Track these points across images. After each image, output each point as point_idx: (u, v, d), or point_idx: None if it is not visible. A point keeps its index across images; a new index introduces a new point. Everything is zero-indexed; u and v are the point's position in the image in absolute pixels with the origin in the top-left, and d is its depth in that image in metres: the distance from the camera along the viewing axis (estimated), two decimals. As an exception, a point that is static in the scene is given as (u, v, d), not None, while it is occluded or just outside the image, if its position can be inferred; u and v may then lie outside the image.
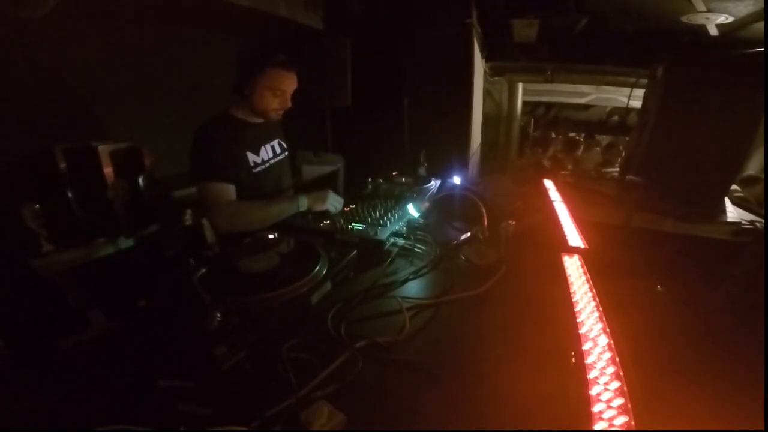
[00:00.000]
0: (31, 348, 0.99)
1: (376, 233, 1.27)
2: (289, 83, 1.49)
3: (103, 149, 1.44)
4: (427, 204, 1.63)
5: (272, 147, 1.65)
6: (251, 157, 1.52)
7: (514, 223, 1.40)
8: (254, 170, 1.52)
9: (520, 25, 2.73)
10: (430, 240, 1.42)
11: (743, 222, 1.70)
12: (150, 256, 1.69)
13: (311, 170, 2.47)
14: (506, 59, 3.25)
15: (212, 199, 1.39)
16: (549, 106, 5.18)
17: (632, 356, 0.66)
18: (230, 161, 1.43)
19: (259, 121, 1.55)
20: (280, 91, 1.47)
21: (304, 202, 1.44)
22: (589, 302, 0.85)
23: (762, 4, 1.92)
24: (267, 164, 1.59)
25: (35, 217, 1.29)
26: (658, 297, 1.35)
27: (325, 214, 1.44)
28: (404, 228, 1.42)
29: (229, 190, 1.41)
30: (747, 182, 2.31)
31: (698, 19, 2.26)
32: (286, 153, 1.74)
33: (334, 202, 1.47)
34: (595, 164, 4.44)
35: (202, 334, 0.75)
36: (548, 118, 5.41)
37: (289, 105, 1.52)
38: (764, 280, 1.17)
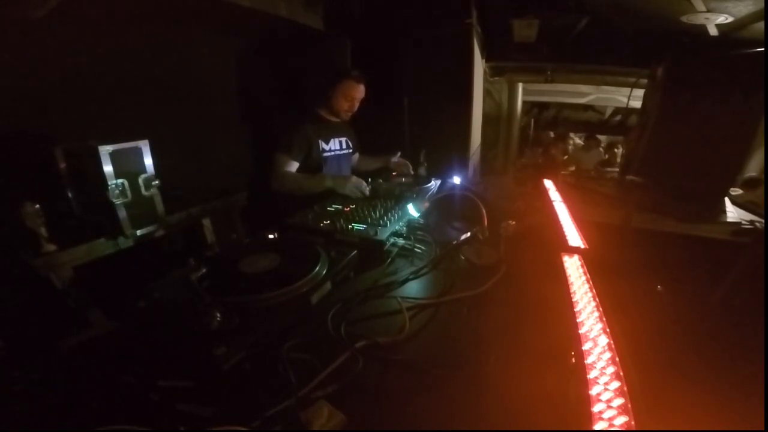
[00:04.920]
0: (31, 348, 0.99)
1: (376, 233, 1.27)
2: (358, 92, 1.96)
3: (103, 149, 1.44)
4: (427, 204, 1.63)
5: (340, 141, 2.11)
6: (321, 144, 1.99)
7: (514, 223, 1.40)
8: (322, 154, 1.99)
9: (520, 25, 2.73)
10: (430, 240, 1.42)
11: (743, 222, 1.70)
12: (150, 256, 1.69)
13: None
14: (506, 59, 3.24)
15: (275, 164, 1.84)
16: (546, 105, 5.18)
17: (632, 356, 0.66)
18: (303, 144, 1.89)
19: (335, 120, 2.06)
20: (351, 97, 1.95)
21: (329, 183, 1.80)
22: (589, 302, 0.85)
23: (762, 4, 1.92)
24: (332, 153, 2.05)
25: (35, 217, 1.29)
26: (658, 297, 1.35)
27: (348, 198, 1.71)
28: (404, 228, 1.42)
29: (290, 164, 1.86)
30: (750, 184, 2.29)
31: (698, 19, 2.25)
32: (351, 150, 2.20)
33: (353, 188, 1.75)
34: (595, 164, 4.44)
35: (202, 334, 0.75)
36: (548, 118, 5.41)
37: (355, 109, 2.02)
38: (764, 280, 1.17)
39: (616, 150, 4.64)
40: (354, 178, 1.79)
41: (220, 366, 0.71)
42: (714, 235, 1.62)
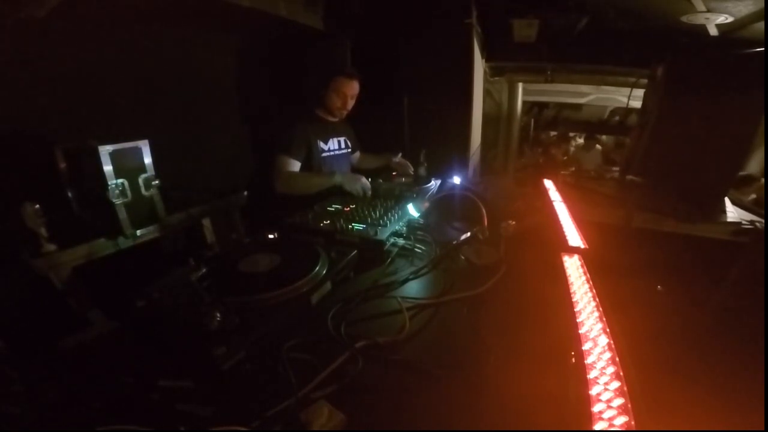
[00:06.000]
0: (31, 348, 0.99)
1: (376, 233, 1.27)
2: (350, 89, 1.94)
3: (103, 149, 1.44)
4: (427, 204, 1.63)
5: (338, 141, 2.10)
6: (320, 145, 1.98)
7: (514, 223, 1.40)
8: (321, 154, 1.98)
9: (520, 25, 2.73)
10: (430, 240, 1.42)
11: (743, 222, 1.70)
12: (150, 256, 1.69)
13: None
14: (506, 59, 3.24)
15: (277, 166, 1.83)
16: (546, 105, 5.18)
17: (632, 356, 0.66)
18: (303, 144, 1.89)
19: (334, 120, 2.04)
20: (343, 93, 1.93)
21: (338, 179, 1.77)
22: (589, 302, 0.85)
23: (762, 4, 1.92)
24: (332, 153, 2.05)
25: (35, 217, 1.29)
26: (658, 297, 1.35)
27: (352, 196, 1.73)
28: (404, 228, 1.42)
29: (292, 164, 1.85)
30: (743, 182, 2.30)
31: (698, 19, 2.25)
32: (349, 149, 2.19)
33: (357, 187, 1.74)
34: (595, 164, 4.44)
35: (202, 334, 0.75)
36: (548, 118, 5.41)
37: (348, 107, 1.99)
38: (764, 280, 1.17)
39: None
40: (364, 179, 1.78)
41: (219, 366, 0.71)
42: (714, 235, 1.62)
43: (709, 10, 2.13)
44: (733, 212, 1.80)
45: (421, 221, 1.54)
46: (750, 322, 1.14)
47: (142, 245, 1.63)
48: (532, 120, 4.82)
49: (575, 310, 0.83)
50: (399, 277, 1.17)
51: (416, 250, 1.36)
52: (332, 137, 2.05)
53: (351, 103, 2.00)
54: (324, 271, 1.02)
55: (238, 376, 0.74)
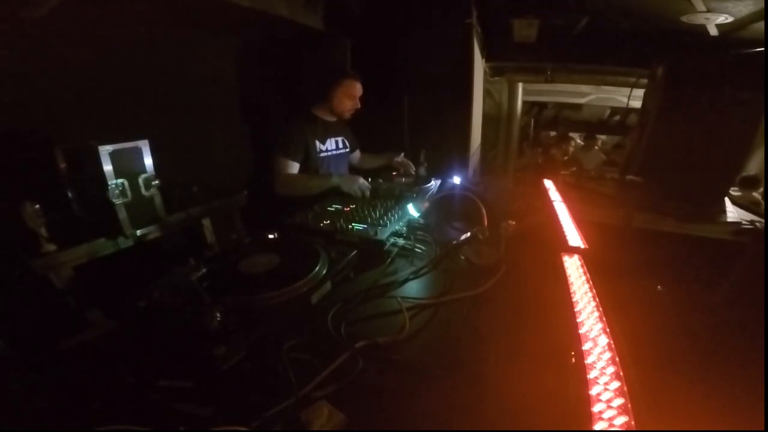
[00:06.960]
0: (31, 348, 0.99)
1: (376, 233, 1.27)
2: (359, 90, 1.98)
3: (103, 149, 1.43)
4: (427, 204, 1.63)
5: (336, 141, 2.10)
6: (318, 145, 1.97)
7: (514, 223, 1.40)
8: (319, 155, 1.98)
9: (520, 25, 2.73)
10: (430, 240, 1.42)
11: (743, 222, 1.70)
12: (150, 256, 1.69)
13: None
14: (506, 59, 3.24)
15: (276, 168, 1.84)
16: (546, 105, 5.19)
17: (632, 356, 0.66)
18: (300, 145, 1.88)
19: (332, 119, 2.05)
20: (353, 96, 1.96)
21: (335, 180, 1.79)
22: (589, 302, 0.85)
23: (762, 4, 1.92)
24: (329, 153, 2.04)
25: (35, 217, 1.29)
26: (658, 297, 1.35)
27: (351, 196, 1.73)
28: (404, 228, 1.42)
29: (291, 166, 1.86)
30: (746, 183, 2.31)
31: (698, 19, 2.26)
32: (348, 149, 2.19)
33: (355, 188, 1.74)
34: (595, 164, 4.44)
35: (202, 334, 0.75)
36: (548, 118, 5.41)
37: (359, 106, 2.01)
38: (764, 280, 1.17)
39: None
40: (361, 179, 1.78)
41: (219, 366, 0.71)
42: (714, 235, 1.62)
43: (709, 10, 2.13)
44: (733, 212, 1.80)
45: (421, 221, 1.54)
46: (750, 322, 1.14)
47: (142, 245, 1.63)
48: (532, 120, 4.82)
49: (575, 310, 0.83)
50: (399, 277, 1.17)
51: (416, 250, 1.36)
52: (330, 137, 2.05)
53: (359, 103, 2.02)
54: (324, 271, 1.02)
55: (238, 376, 0.74)
